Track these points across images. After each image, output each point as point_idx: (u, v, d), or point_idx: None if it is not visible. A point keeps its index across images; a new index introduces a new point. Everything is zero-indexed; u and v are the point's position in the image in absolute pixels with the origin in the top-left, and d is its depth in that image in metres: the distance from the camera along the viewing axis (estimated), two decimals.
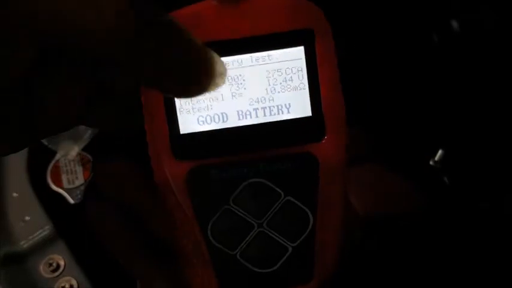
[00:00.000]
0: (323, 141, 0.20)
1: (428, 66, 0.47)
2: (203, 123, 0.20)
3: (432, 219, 0.45)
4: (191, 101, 0.20)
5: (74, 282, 0.46)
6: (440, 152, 0.48)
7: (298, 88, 0.20)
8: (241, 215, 0.20)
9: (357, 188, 0.45)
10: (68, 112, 0.19)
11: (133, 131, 0.20)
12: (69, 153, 0.47)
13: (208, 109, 0.20)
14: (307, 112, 0.20)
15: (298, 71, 0.20)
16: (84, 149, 0.47)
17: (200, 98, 0.20)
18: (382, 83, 0.48)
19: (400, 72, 0.47)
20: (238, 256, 0.20)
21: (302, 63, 0.20)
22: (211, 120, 0.20)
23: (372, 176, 0.46)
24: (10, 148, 0.18)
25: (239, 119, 0.20)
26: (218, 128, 0.20)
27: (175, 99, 0.20)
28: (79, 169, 0.47)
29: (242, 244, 0.20)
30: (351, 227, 0.44)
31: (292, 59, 0.20)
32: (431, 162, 0.49)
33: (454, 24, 0.45)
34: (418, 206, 0.44)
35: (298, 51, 0.20)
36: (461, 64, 0.46)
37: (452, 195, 0.47)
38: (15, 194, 0.48)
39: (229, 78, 0.20)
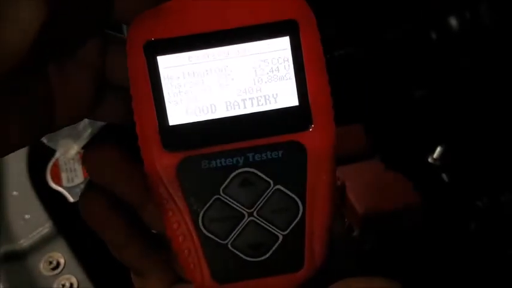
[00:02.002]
0: (310, 130, 0.20)
1: (427, 64, 0.47)
2: (192, 114, 0.20)
3: (431, 217, 0.45)
4: (179, 92, 0.20)
5: (74, 280, 0.46)
6: (439, 149, 0.48)
7: (284, 78, 0.20)
8: (232, 204, 0.20)
9: (356, 186, 0.45)
10: (81, 101, 0.21)
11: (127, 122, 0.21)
12: (68, 152, 0.47)
13: (196, 100, 0.20)
14: (294, 101, 0.20)
15: (284, 61, 0.20)
16: (83, 147, 0.47)
17: (188, 89, 0.20)
18: (380, 81, 0.48)
19: (399, 70, 0.48)
20: (229, 245, 0.20)
21: (288, 54, 0.20)
22: (200, 111, 0.20)
23: (371, 174, 0.46)
24: (25, 139, 0.19)
25: (227, 110, 0.20)
26: (207, 118, 0.20)
27: (164, 90, 0.20)
28: (78, 167, 0.48)
29: (233, 233, 0.20)
30: (350, 225, 0.45)
31: (278, 49, 0.20)
32: (429, 160, 0.49)
33: (453, 21, 0.45)
34: (416, 204, 0.44)
35: (284, 42, 0.20)
36: (460, 62, 0.46)
37: (450, 193, 0.47)
38: (15, 193, 0.48)
39: (217, 69, 0.20)
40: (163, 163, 0.20)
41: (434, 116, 0.49)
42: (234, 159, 0.20)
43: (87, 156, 0.21)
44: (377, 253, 0.45)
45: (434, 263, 0.44)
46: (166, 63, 0.20)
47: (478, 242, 0.45)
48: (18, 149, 0.20)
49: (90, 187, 0.22)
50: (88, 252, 0.47)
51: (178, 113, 0.20)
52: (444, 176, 0.48)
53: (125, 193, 0.21)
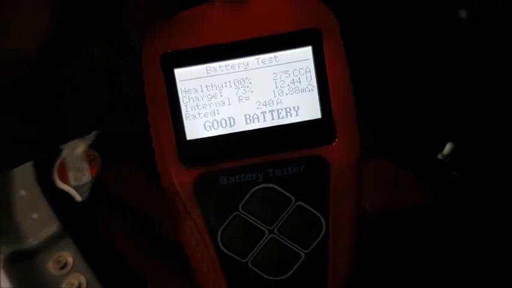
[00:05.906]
0: (334, 144, 0.19)
1: (437, 58, 0.46)
2: (210, 128, 0.19)
3: (440, 215, 0.44)
4: (197, 106, 0.19)
5: (83, 279, 0.45)
6: (448, 145, 0.47)
7: (306, 90, 0.19)
8: (252, 221, 0.19)
9: (364, 184, 0.45)
10: (93, 114, 0.21)
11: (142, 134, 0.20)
12: (75, 151, 0.47)
13: (214, 114, 0.19)
14: (317, 114, 0.19)
15: (306, 72, 0.19)
16: (90, 146, 0.47)
17: (206, 102, 0.19)
18: (388, 76, 0.47)
19: (407, 64, 0.47)
20: (249, 264, 0.20)
21: (310, 64, 0.19)
22: (218, 125, 0.19)
23: (378, 172, 0.45)
24: (39, 151, 0.20)
25: (247, 123, 0.19)
26: (225, 132, 0.19)
27: (181, 104, 0.19)
28: (85, 166, 0.47)
29: (253, 251, 0.19)
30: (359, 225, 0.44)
31: (300, 59, 0.19)
32: (439, 156, 0.48)
33: (463, 14, 0.44)
34: (425, 202, 0.43)
35: (306, 52, 0.19)
36: (471, 55, 0.45)
37: (460, 190, 0.46)
38: (22, 192, 0.48)
39: (236, 81, 0.19)
40: (180, 179, 0.19)
41: (444, 111, 0.48)
42: (254, 174, 0.19)
43: (107, 172, 0.21)
44: (385, 252, 0.45)
45: (445, 261, 0.44)
46: (183, 75, 0.19)
47: (490, 239, 0.45)
48: (28, 161, 0.20)
49: (106, 199, 0.21)
50: (96, 251, 0.47)
51: (196, 128, 0.19)
52: (454, 173, 0.48)
53: (144, 208, 0.21)
